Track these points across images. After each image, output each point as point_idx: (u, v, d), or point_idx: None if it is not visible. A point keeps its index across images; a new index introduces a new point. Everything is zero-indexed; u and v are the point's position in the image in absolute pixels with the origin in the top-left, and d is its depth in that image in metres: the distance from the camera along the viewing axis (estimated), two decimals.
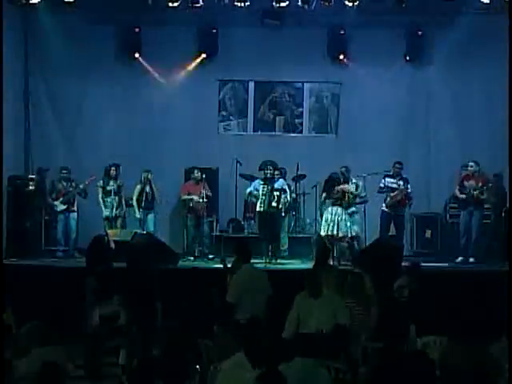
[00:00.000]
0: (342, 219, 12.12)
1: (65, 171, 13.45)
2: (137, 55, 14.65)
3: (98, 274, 9.51)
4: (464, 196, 12.97)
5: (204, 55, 14.70)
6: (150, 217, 13.36)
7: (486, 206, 13.13)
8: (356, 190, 12.55)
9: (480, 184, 12.87)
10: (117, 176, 13.34)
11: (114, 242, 12.37)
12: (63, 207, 13.35)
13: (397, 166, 13.12)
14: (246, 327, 6.55)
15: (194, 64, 14.78)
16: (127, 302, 8.86)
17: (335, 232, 12.07)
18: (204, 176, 13.29)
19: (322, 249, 10.66)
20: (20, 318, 7.52)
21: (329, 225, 12.09)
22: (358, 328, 8.09)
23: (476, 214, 12.92)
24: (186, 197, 13.29)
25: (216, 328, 6.02)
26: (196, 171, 13.38)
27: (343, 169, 12.73)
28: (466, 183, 13.00)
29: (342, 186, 12.39)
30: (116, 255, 11.63)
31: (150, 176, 13.30)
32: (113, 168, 13.30)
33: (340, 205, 12.25)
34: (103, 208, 13.28)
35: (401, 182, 13.03)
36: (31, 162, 14.48)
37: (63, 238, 13.40)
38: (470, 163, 13.00)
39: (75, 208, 13.47)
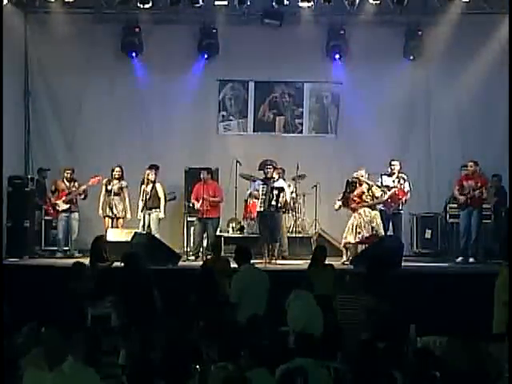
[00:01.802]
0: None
1: (68, 171, 13.43)
2: (137, 55, 14.63)
3: (93, 274, 9.53)
4: (463, 196, 12.96)
5: (204, 55, 14.69)
6: (154, 216, 13.28)
7: (485, 206, 13.13)
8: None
9: (479, 184, 12.85)
10: (120, 177, 13.28)
11: (115, 242, 12.38)
12: (65, 207, 13.33)
13: (392, 163, 13.07)
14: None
15: (194, 64, 14.78)
16: (126, 301, 8.88)
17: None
18: (209, 176, 13.25)
19: (318, 249, 10.62)
20: (20, 318, 7.51)
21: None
22: (357, 326, 8.10)
23: (475, 214, 12.90)
24: (194, 201, 13.21)
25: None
26: (202, 172, 13.31)
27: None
28: (465, 183, 12.98)
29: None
30: (116, 255, 11.70)
31: (151, 175, 13.22)
32: (117, 169, 13.27)
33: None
34: (101, 207, 13.25)
35: (396, 180, 12.97)
36: (31, 162, 14.50)
37: (64, 237, 13.40)
38: (470, 163, 12.99)
39: (77, 208, 13.46)
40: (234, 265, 9.70)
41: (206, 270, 10.00)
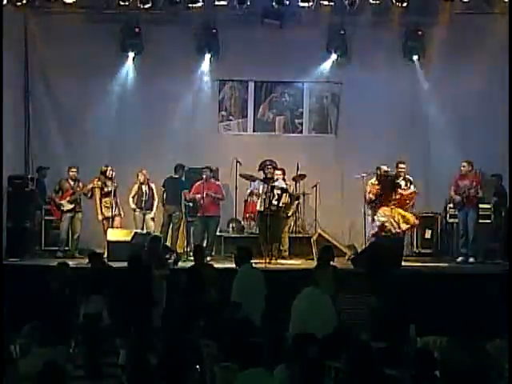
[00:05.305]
0: None
1: (73, 170, 13.39)
2: (137, 55, 14.63)
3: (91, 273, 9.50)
4: (459, 196, 12.96)
5: (204, 55, 14.69)
6: (149, 216, 13.32)
7: (482, 205, 13.13)
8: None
9: (474, 183, 12.85)
10: (113, 177, 13.27)
11: (114, 242, 12.39)
12: (70, 207, 13.29)
13: (400, 166, 12.87)
14: None
15: (194, 64, 14.78)
16: (127, 301, 8.89)
17: None
18: (211, 174, 13.21)
19: (323, 249, 10.60)
20: (20, 318, 7.52)
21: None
22: (358, 326, 8.10)
23: (472, 214, 12.90)
24: (193, 195, 13.17)
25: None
26: (204, 170, 13.24)
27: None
28: (460, 183, 13.00)
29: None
30: (116, 255, 11.72)
31: (144, 175, 13.23)
32: (109, 168, 13.25)
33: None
34: (99, 209, 13.23)
35: (403, 182, 12.84)
36: (31, 162, 14.48)
37: (66, 237, 13.38)
38: (463, 163, 13.00)
39: (81, 208, 13.43)
40: (232, 265, 9.69)
41: (192, 272, 10.01)
